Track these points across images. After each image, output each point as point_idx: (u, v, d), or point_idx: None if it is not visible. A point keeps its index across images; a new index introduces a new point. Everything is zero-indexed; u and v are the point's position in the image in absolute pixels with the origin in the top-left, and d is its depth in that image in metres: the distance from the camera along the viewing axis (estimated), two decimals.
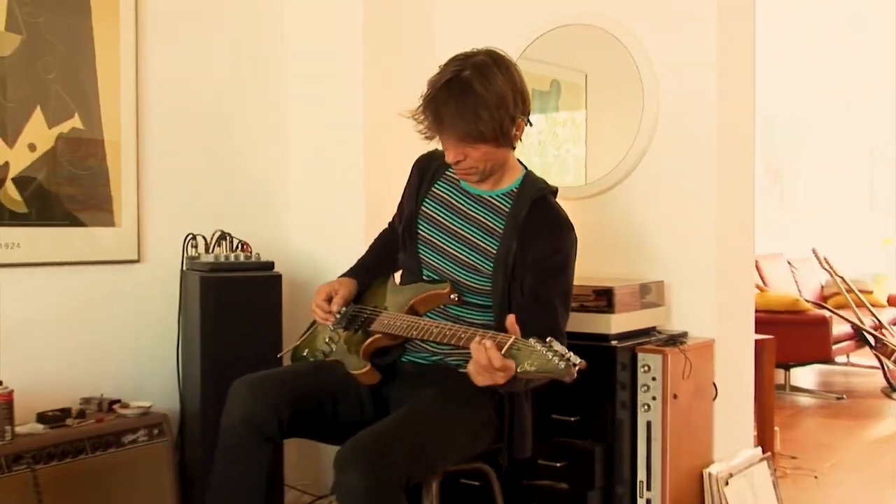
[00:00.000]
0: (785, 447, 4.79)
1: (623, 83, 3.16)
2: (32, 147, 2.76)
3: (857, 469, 4.61)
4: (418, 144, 2.39)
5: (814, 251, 7.48)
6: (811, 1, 6.11)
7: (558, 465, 2.72)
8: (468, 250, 2.30)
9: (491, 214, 2.31)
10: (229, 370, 2.71)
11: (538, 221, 2.26)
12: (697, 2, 3.03)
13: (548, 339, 1.82)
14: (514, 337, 1.86)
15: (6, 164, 2.70)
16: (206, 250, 2.99)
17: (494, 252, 2.26)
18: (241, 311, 2.88)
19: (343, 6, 3.33)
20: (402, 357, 2.32)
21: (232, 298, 2.87)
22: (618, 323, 2.78)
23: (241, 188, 3.36)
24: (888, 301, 7.86)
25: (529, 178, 2.35)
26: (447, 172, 2.41)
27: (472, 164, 2.21)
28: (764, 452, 3.30)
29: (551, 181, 2.40)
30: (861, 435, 5.39)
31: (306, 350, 2.47)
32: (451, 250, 2.32)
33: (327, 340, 2.40)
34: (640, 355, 2.74)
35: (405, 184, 2.52)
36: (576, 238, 2.30)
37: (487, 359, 1.86)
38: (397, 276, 2.49)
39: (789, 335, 5.73)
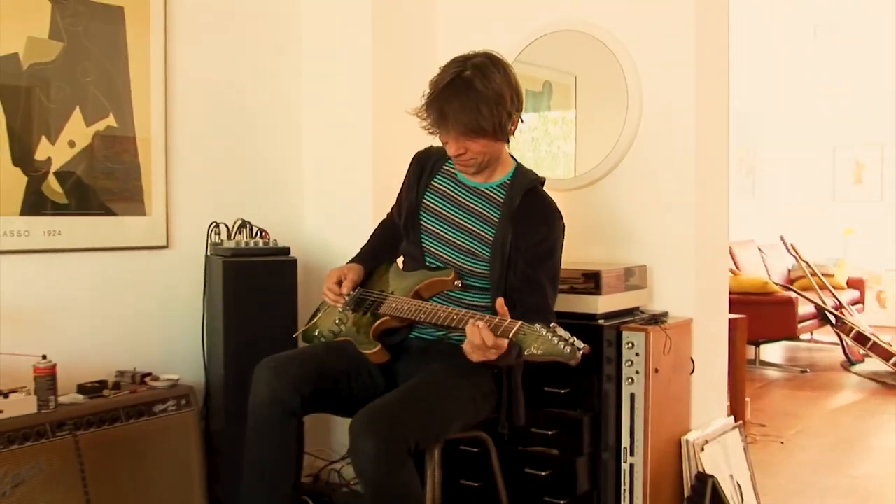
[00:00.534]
0: (755, 416, 4.83)
1: (609, 85, 3.16)
2: (72, 144, 2.76)
3: (819, 435, 4.65)
4: (421, 139, 2.40)
5: (782, 238, 7.50)
6: (779, 11, 6.11)
7: (550, 433, 2.73)
8: (467, 237, 2.31)
9: (487, 204, 2.32)
10: (249, 346, 2.76)
11: (530, 210, 2.28)
12: (677, 12, 3.02)
13: (552, 325, 1.84)
14: (520, 323, 1.87)
15: (49, 159, 2.71)
16: (228, 237, 2.99)
17: (491, 238, 2.27)
18: (259, 292, 2.88)
19: (353, 14, 3.33)
20: (410, 334, 2.33)
21: (252, 281, 2.87)
22: (604, 303, 2.78)
23: (260, 180, 3.37)
24: (847, 284, 7.89)
25: (520, 170, 2.37)
26: (445, 166, 2.42)
27: (471, 156, 2.22)
28: (736, 421, 3.31)
29: (544, 174, 2.41)
30: (822, 404, 5.43)
31: (317, 331, 2.47)
32: (451, 238, 2.33)
33: (337, 322, 2.40)
34: (625, 333, 2.75)
35: (404, 176, 2.52)
36: (563, 225, 2.32)
37: (481, 338, 1.90)
38: (399, 261, 2.50)
39: (759, 315, 5.75)
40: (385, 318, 2.26)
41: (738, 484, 3.08)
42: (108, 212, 2.86)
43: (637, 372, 2.72)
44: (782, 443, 4.42)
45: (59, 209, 2.73)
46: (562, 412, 2.75)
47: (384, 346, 2.28)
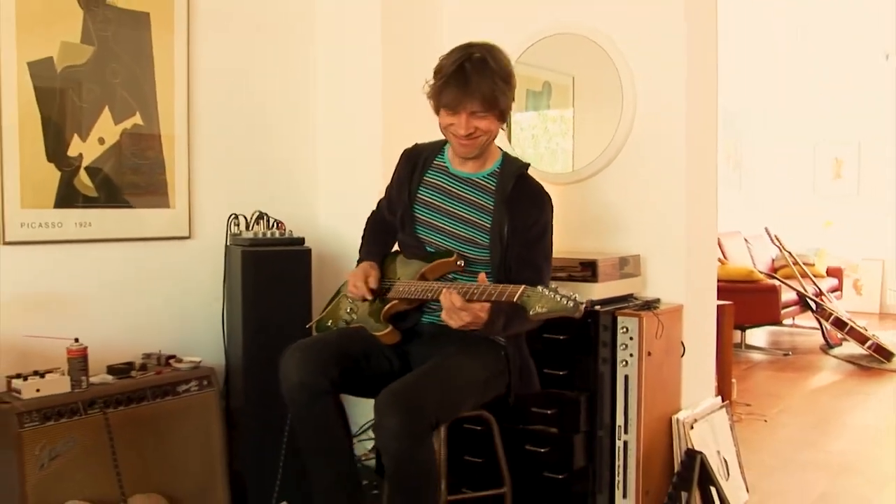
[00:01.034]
0: (740, 396, 4.83)
1: (605, 85, 3.15)
2: (101, 141, 2.76)
3: (800, 413, 4.65)
4: (428, 136, 2.39)
5: (766, 230, 7.50)
6: (764, 14, 6.07)
7: (549, 412, 2.73)
8: (465, 226, 2.27)
9: (480, 193, 2.29)
10: (267, 330, 2.77)
11: (521, 195, 2.25)
12: (669, 17, 3.01)
13: (553, 286, 1.84)
14: (523, 286, 1.85)
15: (80, 155, 2.70)
16: (247, 228, 2.98)
17: (489, 225, 2.24)
18: (276, 280, 2.88)
19: (363, 17, 3.31)
20: (421, 318, 2.32)
21: (269, 269, 2.86)
22: (600, 290, 2.78)
23: (277, 174, 3.36)
24: (827, 272, 7.91)
25: (508, 159, 2.34)
26: (436, 161, 2.37)
27: (479, 134, 2.17)
28: (723, 401, 3.31)
29: (543, 170, 2.40)
30: (803, 385, 5.42)
31: (330, 321, 2.45)
32: (449, 228, 2.29)
33: (348, 311, 2.39)
34: (620, 318, 2.74)
35: (393, 172, 2.47)
36: (552, 206, 2.30)
37: (451, 302, 1.92)
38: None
39: (745, 301, 5.75)
40: (394, 301, 2.25)
41: (725, 459, 3.08)
42: (135, 205, 2.86)
43: (631, 355, 2.72)
44: (766, 421, 4.42)
45: (89, 202, 2.73)
46: (560, 392, 2.74)
47: (396, 328, 2.26)
